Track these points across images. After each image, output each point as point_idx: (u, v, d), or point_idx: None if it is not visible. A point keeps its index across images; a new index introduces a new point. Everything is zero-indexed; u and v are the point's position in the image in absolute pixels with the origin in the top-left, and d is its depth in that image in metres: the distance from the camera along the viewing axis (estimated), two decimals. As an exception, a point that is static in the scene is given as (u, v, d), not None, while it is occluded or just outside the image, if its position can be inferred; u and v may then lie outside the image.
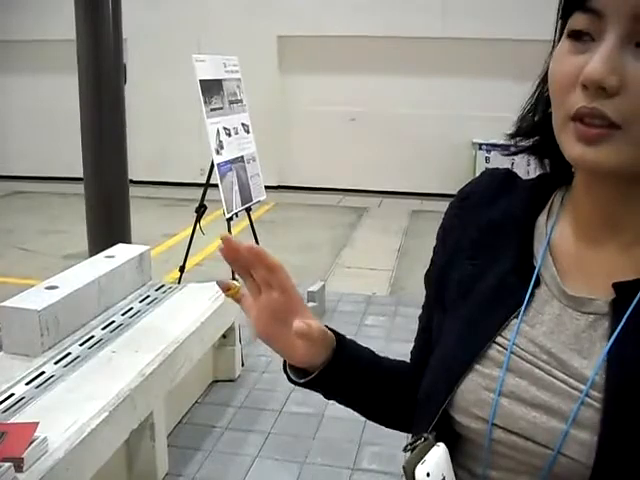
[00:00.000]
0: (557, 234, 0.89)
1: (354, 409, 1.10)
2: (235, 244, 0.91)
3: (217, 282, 0.98)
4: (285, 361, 1.01)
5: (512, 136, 0.96)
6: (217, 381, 4.36)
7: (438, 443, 0.88)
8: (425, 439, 0.88)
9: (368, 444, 3.66)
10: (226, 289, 0.97)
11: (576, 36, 0.77)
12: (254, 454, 3.62)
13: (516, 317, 0.86)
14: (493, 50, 9.67)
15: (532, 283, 0.87)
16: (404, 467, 0.85)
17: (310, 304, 5.10)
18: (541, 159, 0.95)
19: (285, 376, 1.03)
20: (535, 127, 0.92)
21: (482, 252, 0.94)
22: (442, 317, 0.97)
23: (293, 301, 0.95)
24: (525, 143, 0.95)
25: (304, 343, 0.94)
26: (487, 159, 9.85)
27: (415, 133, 10.26)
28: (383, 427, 1.15)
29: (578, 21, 0.76)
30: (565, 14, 0.79)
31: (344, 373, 1.01)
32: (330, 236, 8.13)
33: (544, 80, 0.87)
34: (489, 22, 9.40)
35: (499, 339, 0.86)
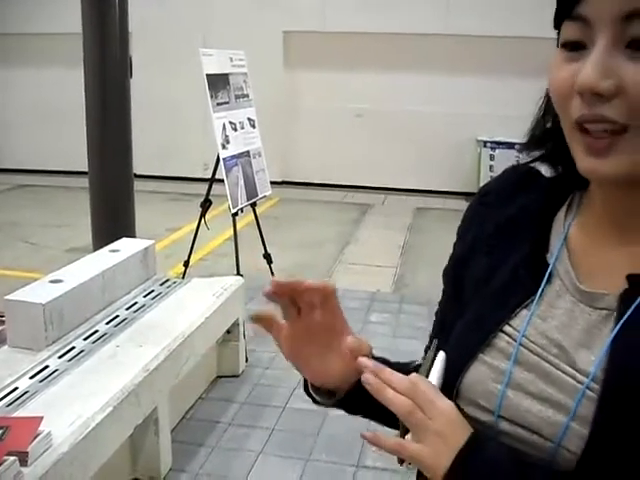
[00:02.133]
0: (575, 231, 0.90)
1: (379, 422, 1.09)
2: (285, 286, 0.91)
3: (251, 317, 0.97)
4: (306, 382, 1.02)
5: (526, 145, 0.95)
6: (221, 377, 4.35)
7: (440, 352, 0.90)
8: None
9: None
10: (257, 320, 0.96)
11: (569, 46, 0.78)
12: (258, 450, 3.61)
13: (525, 308, 0.86)
14: (498, 47, 9.64)
15: (546, 276, 0.87)
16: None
17: (314, 300, 5.07)
18: (554, 166, 0.95)
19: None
20: (547, 135, 0.92)
21: (498, 247, 0.95)
22: (458, 315, 0.97)
23: (339, 322, 0.97)
24: (538, 152, 0.95)
25: (341, 365, 0.96)
26: (492, 157, 9.83)
27: (420, 130, 10.23)
28: (387, 425, 1.14)
29: (569, 30, 0.78)
30: (557, 24, 0.81)
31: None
32: (334, 232, 8.11)
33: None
34: (494, 19, 9.38)
35: (507, 328, 0.86)
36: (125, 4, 4.83)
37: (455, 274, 1.01)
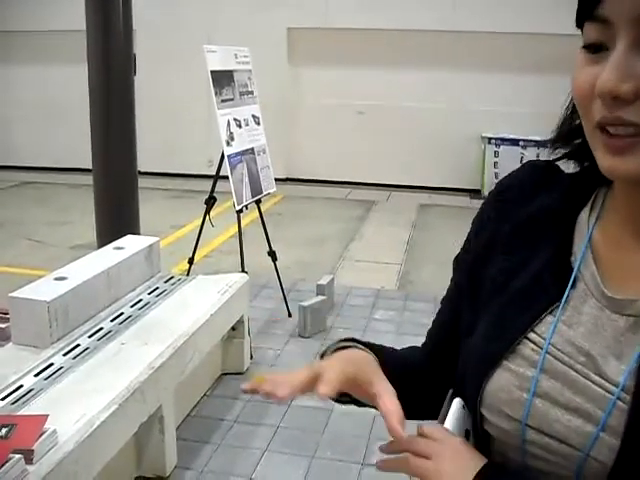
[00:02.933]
0: (598, 232, 0.87)
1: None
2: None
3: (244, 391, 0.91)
4: None
5: (553, 141, 0.93)
6: (226, 374, 4.34)
7: (455, 399, 0.90)
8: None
9: (378, 439, 3.64)
10: (251, 389, 0.90)
11: (591, 48, 0.77)
12: (263, 448, 3.60)
13: (550, 314, 0.84)
14: (502, 44, 9.62)
15: (571, 280, 0.85)
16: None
17: (319, 297, 5.08)
18: (581, 163, 0.93)
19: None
20: (574, 132, 0.90)
21: (518, 247, 0.92)
22: (474, 314, 0.95)
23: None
24: (564, 149, 0.93)
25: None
26: (496, 153, 9.81)
27: (424, 127, 10.21)
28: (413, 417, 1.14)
29: (590, 32, 0.76)
30: (579, 24, 0.79)
31: None
32: (338, 229, 8.10)
33: None
34: (499, 16, 9.35)
35: (532, 336, 0.84)
36: (129, 1, 4.82)
37: (470, 274, 0.99)
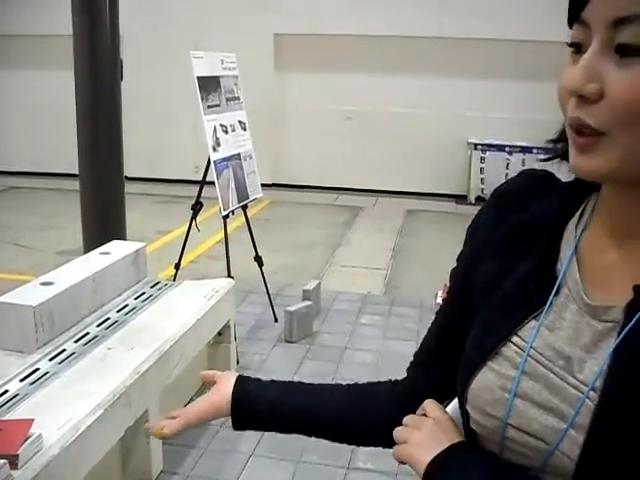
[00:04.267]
0: (585, 239, 0.90)
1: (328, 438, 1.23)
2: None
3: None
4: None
5: (555, 142, 0.95)
6: (212, 379, 4.34)
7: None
8: None
9: (363, 443, 3.65)
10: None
11: (574, 48, 0.80)
12: (249, 452, 3.61)
13: (534, 319, 0.87)
14: (490, 50, 9.68)
15: (555, 287, 0.87)
16: None
17: (305, 302, 5.09)
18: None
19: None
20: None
21: (508, 253, 0.95)
22: (469, 316, 0.99)
23: None
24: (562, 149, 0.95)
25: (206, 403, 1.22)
26: (482, 159, 9.86)
27: (411, 132, 10.26)
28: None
29: (575, 32, 0.80)
30: (570, 25, 0.82)
31: (254, 405, 1.20)
32: (325, 235, 8.12)
33: None
34: (487, 22, 9.41)
35: (515, 339, 0.87)
36: (116, 7, 4.82)
37: (464, 278, 1.02)
